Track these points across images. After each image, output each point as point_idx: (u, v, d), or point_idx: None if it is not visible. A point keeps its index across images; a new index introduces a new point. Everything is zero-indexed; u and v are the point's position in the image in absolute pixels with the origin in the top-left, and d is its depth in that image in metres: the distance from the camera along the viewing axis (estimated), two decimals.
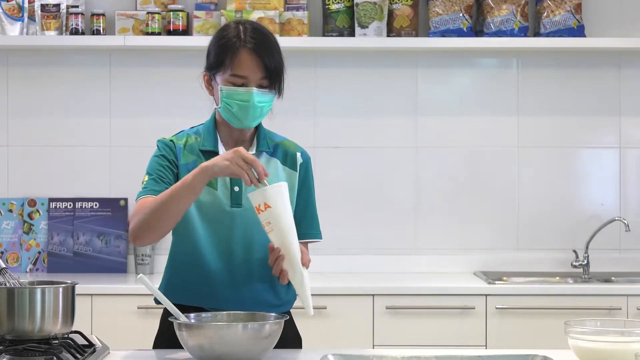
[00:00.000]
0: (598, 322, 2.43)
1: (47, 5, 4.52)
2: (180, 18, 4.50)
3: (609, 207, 4.66)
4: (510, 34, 4.53)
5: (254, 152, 2.74)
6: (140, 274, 2.45)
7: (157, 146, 2.75)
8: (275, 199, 2.48)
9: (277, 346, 2.44)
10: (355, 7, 4.50)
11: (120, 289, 4.13)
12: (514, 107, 4.67)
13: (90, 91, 4.64)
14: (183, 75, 4.41)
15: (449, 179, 4.67)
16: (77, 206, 4.60)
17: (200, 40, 4.21)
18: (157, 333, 2.79)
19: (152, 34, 4.50)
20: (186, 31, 4.52)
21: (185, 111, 4.43)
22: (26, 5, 4.55)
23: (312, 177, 2.82)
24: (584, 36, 4.55)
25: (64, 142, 4.64)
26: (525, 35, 4.56)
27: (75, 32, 4.50)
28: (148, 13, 4.51)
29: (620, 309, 4.09)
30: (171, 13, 4.51)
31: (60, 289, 2.42)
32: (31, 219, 4.59)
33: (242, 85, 2.65)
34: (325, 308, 4.06)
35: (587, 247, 4.55)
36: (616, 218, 4.55)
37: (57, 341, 2.39)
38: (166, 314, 2.63)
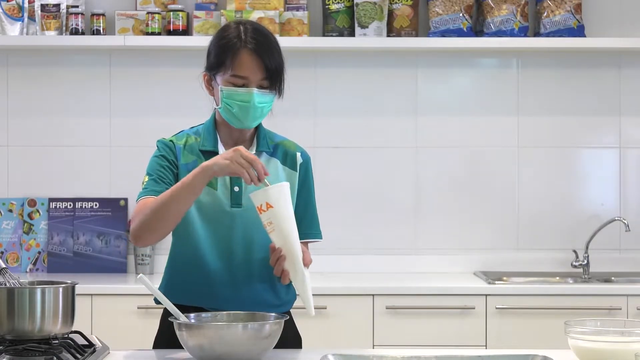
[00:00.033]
0: (598, 322, 2.43)
1: (47, 5, 4.52)
2: (180, 18, 4.50)
3: (609, 207, 4.66)
4: (510, 34, 4.53)
5: (253, 152, 2.73)
6: (140, 274, 2.45)
7: (157, 146, 2.75)
8: (277, 199, 2.48)
9: (277, 346, 2.44)
10: (355, 7, 4.50)
11: (120, 289, 4.13)
12: (514, 107, 4.67)
13: (90, 91, 4.64)
14: (183, 75, 4.41)
15: (449, 179, 4.67)
16: (77, 206, 4.60)
17: (200, 40, 4.21)
18: (157, 333, 2.79)
19: (152, 34, 4.50)
20: (186, 31, 4.52)
21: (185, 111, 4.43)
22: (26, 5, 4.55)
23: (312, 177, 2.82)
24: (584, 36, 4.55)
25: (64, 142, 4.64)
26: (525, 35, 4.56)
27: (75, 32, 4.50)
28: (148, 13, 4.51)
29: (620, 309, 4.09)
30: (171, 13, 4.51)
31: (60, 289, 2.42)
32: (31, 219, 4.59)
33: (242, 85, 2.65)
34: (326, 308, 4.06)
35: (587, 247, 4.55)
36: (616, 218, 4.55)
37: (57, 341, 2.39)
38: (166, 314, 2.63)
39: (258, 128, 2.76)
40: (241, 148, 2.51)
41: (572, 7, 4.53)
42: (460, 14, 4.52)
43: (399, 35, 4.55)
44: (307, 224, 2.76)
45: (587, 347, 2.33)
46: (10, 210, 4.61)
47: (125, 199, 4.59)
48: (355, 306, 4.10)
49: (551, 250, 4.63)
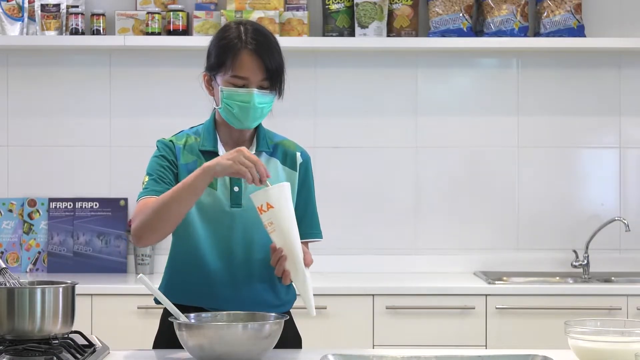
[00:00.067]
0: (598, 322, 2.43)
1: (47, 5, 4.52)
2: (180, 18, 4.50)
3: (609, 207, 4.66)
4: (510, 34, 4.53)
5: (253, 152, 2.73)
6: (140, 274, 2.45)
7: (157, 146, 2.75)
8: (277, 200, 2.48)
9: (277, 346, 2.44)
10: (355, 7, 4.50)
11: (120, 289, 4.13)
12: (514, 107, 4.67)
13: (90, 91, 4.64)
14: (183, 75, 4.41)
15: (449, 179, 4.67)
16: (77, 206, 4.60)
17: (200, 40, 4.21)
18: (157, 333, 2.79)
19: (152, 34, 4.50)
20: (186, 31, 4.52)
21: (185, 111, 4.43)
22: (26, 5, 4.55)
23: (312, 177, 2.82)
24: (584, 36, 4.55)
25: (64, 142, 4.64)
26: (525, 35, 4.56)
27: (75, 32, 4.50)
28: (148, 13, 4.51)
29: (620, 309, 4.09)
30: (171, 13, 4.51)
31: (60, 289, 2.42)
32: (31, 219, 4.59)
33: (242, 86, 2.65)
34: (326, 308, 4.06)
35: (587, 247, 4.55)
36: (616, 218, 4.55)
37: (57, 341, 2.39)
38: (166, 314, 2.63)
39: (258, 128, 2.76)
40: (244, 149, 2.51)
41: (572, 7, 4.53)
42: (460, 14, 4.52)
43: (399, 35, 4.55)
44: (308, 224, 2.76)
45: (587, 347, 2.33)
46: (10, 210, 4.61)
47: (125, 199, 4.59)
48: (355, 306, 4.10)
49: (551, 250, 4.63)
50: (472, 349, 3.75)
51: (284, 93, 2.70)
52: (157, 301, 2.48)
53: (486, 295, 4.11)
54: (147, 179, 2.68)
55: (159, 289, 2.57)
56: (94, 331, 3.82)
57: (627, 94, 4.67)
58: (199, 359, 2.37)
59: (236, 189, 2.68)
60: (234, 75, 2.64)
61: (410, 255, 4.64)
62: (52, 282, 2.48)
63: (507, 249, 4.65)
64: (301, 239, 2.59)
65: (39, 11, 4.52)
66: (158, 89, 4.63)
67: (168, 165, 2.70)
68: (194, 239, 2.69)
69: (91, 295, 4.06)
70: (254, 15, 4.44)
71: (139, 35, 4.52)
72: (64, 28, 4.56)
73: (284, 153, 2.78)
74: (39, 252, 4.58)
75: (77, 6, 4.58)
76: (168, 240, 2.78)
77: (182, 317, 2.44)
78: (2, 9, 4.52)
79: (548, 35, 4.54)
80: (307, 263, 2.56)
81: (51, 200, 4.60)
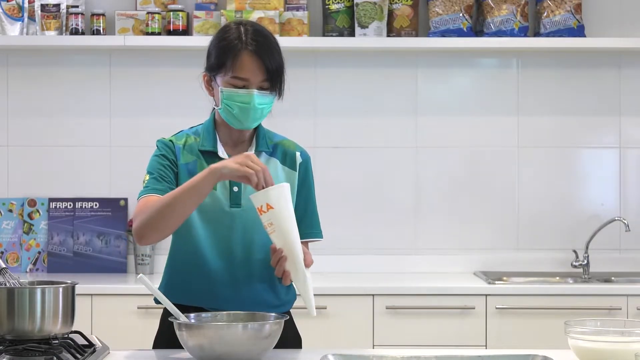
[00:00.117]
0: (598, 322, 2.43)
1: (47, 5, 4.52)
2: (180, 18, 4.50)
3: (609, 207, 4.66)
4: (510, 34, 4.53)
5: (253, 152, 2.73)
6: (140, 274, 2.45)
7: (157, 146, 2.75)
8: (277, 200, 2.48)
9: (277, 346, 2.44)
10: (355, 7, 4.50)
11: (120, 289, 4.13)
12: (514, 107, 4.67)
13: (90, 91, 4.64)
14: (183, 75, 4.41)
15: (449, 179, 4.67)
16: (77, 206, 4.60)
17: (200, 40, 4.21)
18: (157, 333, 2.79)
19: (152, 34, 4.51)
20: (186, 31, 4.52)
21: (185, 111, 4.43)
22: (26, 5, 4.55)
23: (312, 177, 2.81)
24: (584, 36, 4.55)
25: (64, 142, 4.64)
26: (525, 35, 4.56)
27: (75, 32, 4.50)
28: (148, 13, 4.51)
29: (620, 309, 4.09)
30: (171, 13, 4.51)
31: (60, 289, 2.42)
32: (31, 219, 4.59)
33: (243, 87, 2.65)
34: (326, 308, 4.06)
35: (587, 247, 4.55)
36: (616, 218, 4.55)
37: (57, 341, 2.39)
38: (166, 314, 2.63)
39: (257, 128, 2.76)
40: (252, 154, 2.51)
41: (572, 7, 4.53)
42: (460, 14, 4.52)
43: (399, 35, 4.55)
44: (308, 224, 2.76)
45: (587, 347, 2.33)
46: (10, 210, 4.61)
47: (125, 199, 4.59)
48: (355, 306, 4.10)
49: (551, 250, 4.63)
50: (472, 349, 3.75)
51: (284, 93, 2.70)
52: (157, 301, 2.48)
53: (486, 295, 4.11)
54: (147, 177, 2.68)
55: (159, 288, 2.57)
56: (94, 331, 3.82)
57: (627, 94, 4.67)
58: (199, 359, 2.37)
59: (235, 189, 2.68)
60: (234, 76, 2.64)
61: (410, 255, 4.64)
62: (52, 282, 2.48)
63: (507, 249, 4.65)
64: (301, 238, 2.59)
65: (39, 11, 4.52)
66: (158, 89, 4.63)
67: (168, 164, 2.70)
68: (194, 238, 2.69)
69: (91, 295, 4.06)
70: (254, 15, 4.44)
71: (139, 35, 4.52)
72: (64, 28, 4.56)
73: (284, 153, 2.78)
74: (39, 252, 4.58)
75: (77, 6, 4.58)
76: (168, 240, 2.78)
77: (182, 317, 2.44)
78: (2, 9, 4.52)
79: (548, 35, 4.54)
80: (308, 264, 2.56)
81: (51, 200, 4.60)
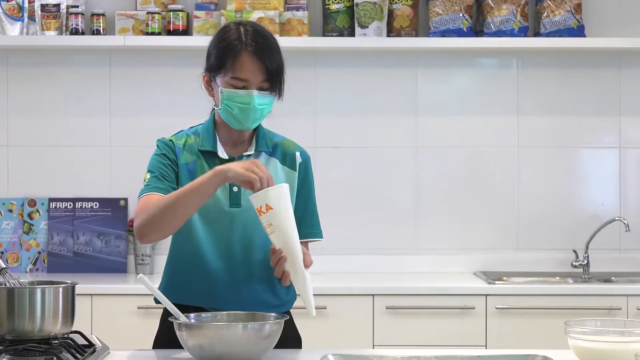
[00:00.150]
0: (598, 322, 2.43)
1: (47, 5, 4.52)
2: (180, 18, 4.50)
3: (609, 207, 4.66)
4: (510, 34, 4.53)
5: (252, 152, 2.74)
6: (140, 274, 2.45)
7: (157, 145, 2.75)
8: (277, 201, 2.48)
9: (277, 346, 2.44)
10: (355, 7, 4.50)
11: (120, 289, 4.13)
12: (514, 107, 4.67)
13: (90, 91, 4.64)
14: (183, 75, 4.41)
15: (449, 179, 4.67)
16: (77, 206, 4.60)
17: (200, 40, 4.21)
18: (157, 333, 2.79)
19: (152, 34, 4.50)
20: (186, 31, 4.52)
21: (185, 111, 4.43)
22: (26, 5, 4.55)
23: (312, 177, 2.82)
24: (584, 36, 4.55)
25: (64, 142, 4.64)
26: (525, 35, 4.56)
27: (75, 32, 4.50)
28: (148, 13, 4.51)
29: (620, 309, 4.09)
30: (171, 13, 4.51)
31: (60, 289, 2.42)
32: (31, 219, 4.59)
33: (242, 87, 2.65)
34: (326, 308, 4.06)
35: (587, 247, 4.55)
36: (616, 218, 4.55)
37: (57, 341, 2.39)
38: (166, 314, 2.63)
39: (257, 128, 2.76)
40: (258, 161, 2.52)
41: (572, 7, 4.53)
42: (460, 14, 4.52)
43: (399, 35, 4.55)
44: (308, 224, 2.76)
45: (587, 347, 2.33)
46: (10, 210, 4.61)
47: (125, 199, 4.59)
48: (355, 306, 4.10)
49: (551, 250, 4.63)
50: (472, 349, 3.75)
51: (284, 93, 2.70)
52: (157, 301, 2.48)
53: (486, 295, 4.11)
54: (148, 176, 2.68)
55: (159, 288, 2.57)
56: (94, 331, 3.82)
57: (627, 94, 4.67)
58: (199, 359, 2.37)
59: (235, 189, 2.68)
60: (234, 76, 2.64)
61: (410, 255, 4.64)
62: (52, 282, 2.48)
63: (507, 249, 4.65)
64: (301, 238, 2.59)
65: (39, 11, 4.52)
66: (158, 89, 4.63)
67: (169, 163, 2.70)
68: (193, 238, 2.69)
69: (91, 295, 4.06)
70: (254, 15, 4.44)
71: (139, 35, 4.52)
72: (64, 28, 4.56)
73: (284, 153, 2.78)
74: (39, 252, 4.58)
75: (77, 6, 4.58)
76: (168, 240, 2.78)
77: (182, 317, 2.44)
78: (2, 9, 4.52)
79: (548, 35, 4.54)
80: (307, 264, 2.55)
81: (51, 200, 4.60)
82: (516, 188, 4.67)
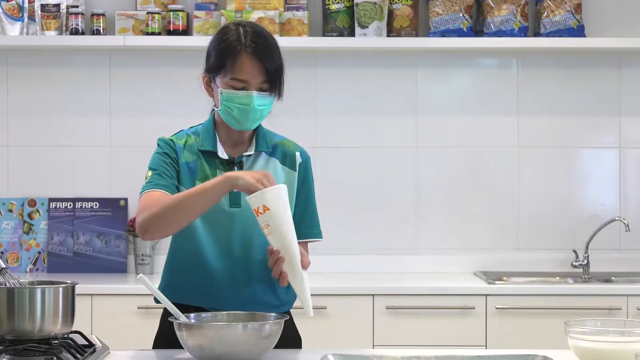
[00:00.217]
0: (598, 322, 2.43)
1: (47, 5, 4.52)
2: (180, 18, 4.50)
3: (609, 207, 4.66)
4: (510, 34, 4.53)
5: (252, 152, 2.74)
6: (140, 274, 2.45)
7: (158, 144, 2.75)
8: (274, 202, 2.48)
9: (277, 346, 2.44)
10: (355, 7, 4.50)
11: (120, 289, 4.13)
12: (514, 107, 4.67)
13: (90, 91, 4.64)
14: (183, 75, 4.41)
15: (449, 179, 4.67)
16: (77, 206, 4.60)
17: (200, 40, 4.20)
18: (157, 333, 2.79)
19: (152, 34, 4.51)
20: (186, 31, 4.52)
21: (185, 111, 4.43)
22: (26, 5, 4.55)
23: (311, 177, 2.82)
24: (584, 36, 4.55)
25: (64, 142, 4.64)
26: (525, 35, 4.56)
27: (75, 32, 4.50)
28: (148, 13, 4.51)
29: (620, 309, 4.09)
30: (171, 13, 4.51)
31: (60, 289, 2.42)
32: (31, 219, 4.59)
33: (242, 88, 2.65)
34: (325, 308, 4.06)
35: (587, 247, 4.55)
36: (616, 218, 4.55)
37: (57, 341, 2.39)
38: (166, 314, 2.63)
39: (257, 128, 2.76)
40: (269, 174, 2.52)
41: (572, 7, 4.53)
42: (460, 14, 4.52)
43: (399, 35, 4.55)
44: (307, 224, 2.76)
45: (587, 347, 2.33)
46: (10, 210, 4.61)
47: (125, 199, 4.59)
48: (355, 306, 4.10)
49: (551, 250, 4.63)
50: (472, 349, 3.75)
51: (284, 94, 2.70)
52: (157, 301, 2.48)
53: (486, 295, 4.11)
54: (150, 173, 2.68)
55: (158, 288, 2.57)
56: (94, 331, 3.82)
57: (627, 94, 4.67)
58: (199, 359, 2.37)
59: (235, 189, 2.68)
60: (233, 77, 2.64)
61: (410, 255, 4.64)
62: (52, 282, 2.48)
63: (507, 249, 4.65)
64: (301, 238, 2.60)
65: (39, 11, 4.52)
66: (158, 89, 4.63)
67: (171, 162, 2.70)
68: (193, 238, 2.69)
69: (91, 295, 4.06)
70: (254, 15, 4.44)
71: (139, 35, 4.52)
72: (64, 28, 4.56)
73: (284, 153, 2.78)
74: (39, 252, 4.58)
75: (77, 6, 4.58)
76: (168, 240, 2.78)
77: (182, 317, 2.44)
78: (2, 9, 4.52)
79: (548, 35, 4.54)
80: (305, 265, 2.55)
81: (51, 200, 4.60)
82: (516, 188, 4.67)
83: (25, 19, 4.54)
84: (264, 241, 2.57)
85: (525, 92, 4.67)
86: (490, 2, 4.55)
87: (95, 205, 4.59)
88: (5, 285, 2.42)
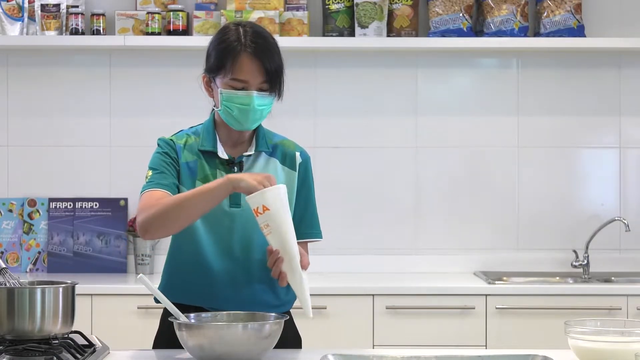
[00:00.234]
0: (598, 322, 2.43)
1: (47, 5, 4.52)
2: (180, 18, 4.50)
3: (609, 207, 4.66)
4: (510, 34, 4.53)
5: (252, 152, 2.74)
6: (140, 274, 2.45)
7: (159, 144, 2.75)
8: (273, 202, 2.48)
9: (277, 346, 2.44)
10: (355, 7, 4.50)
11: (120, 289, 4.13)
12: (514, 107, 4.67)
13: (90, 91, 4.64)
14: (183, 75, 4.41)
15: (449, 179, 4.67)
16: (77, 206, 4.60)
17: (200, 40, 4.20)
18: (157, 333, 2.79)
19: (152, 34, 4.51)
20: (186, 31, 4.52)
21: (185, 111, 4.43)
22: (26, 5, 4.55)
23: (311, 177, 2.82)
24: (584, 36, 4.55)
25: (64, 142, 4.64)
26: (525, 35, 4.56)
27: (75, 32, 4.50)
28: (148, 13, 4.51)
29: (620, 309, 4.09)
30: (171, 13, 4.51)
31: (60, 289, 2.42)
32: (31, 219, 4.59)
33: (242, 88, 2.65)
34: (325, 308, 4.06)
35: (587, 247, 4.55)
36: (616, 218, 4.55)
37: (57, 341, 2.39)
38: (166, 314, 2.64)
39: (257, 128, 2.76)
40: (272, 177, 2.52)
41: (572, 7, 4.53)
42: (460, 14, 4.52)
43: (399, 35, 4.55)
44: (307, 224, 2.76)
45: (587, 347, 2.33)
46: (10, 210, 4.61)
47: (125, 199, 4.59)
48: (355, 306, 4.10)
49: (551, 250, 4.63)
50: (472, 349, 3.75)
51: (284, 94, 2.70)
52: (157, 301, 2.48)
53: (486, 295, 4.11)
54: (151, 173, 2.68)
55: (158, 288, 2.57)
56: (94, 331, 3.82)
57: (627, 94, 4.67)
58: (199, 359, 2.37)
59: None
60: (233, 78, 2.64)
61: (410, 255, 4.64)
62: (52, 282, 2.48)
63: (507, 249, 4.65)
64: (301, 238, 2.60)
65: (39, 11, 4.52)
66: (158, 89, 4.63)
67: (171, 161, 2.70)
68: (193, 238, 2.69)
69: (91, 295, 4.06)
70: (254, 15, 4.44)
71: (139, 35, 4.52)
72: (64, 28, 4.56)
73: (284, 153, 2.78)
74: (39, 252, 4.58)
75: (77, 6, 4.58)
76: (167, 240, 2.78)
77: (182, 317, 2.44)
78: (2, 9, 4.52)
79: (548, 35, 4.54)
80: (304, 265, 2.55)
81: (51, 200, 4.60)
82: (516, 188, 4.67)
83: (25, 19, 4.54)
84: (264, 241, 2.57)
85: (525, 92, 4.67)
86: (490, 2, 4.55)
87: (95, 205, 4.59)
88: (5, 285, 2.42)
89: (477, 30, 4.64)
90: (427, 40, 4.51)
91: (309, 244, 2.78)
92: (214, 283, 2.69)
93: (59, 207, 4.59)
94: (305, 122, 4.62)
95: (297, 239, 2.55)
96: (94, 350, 2.49)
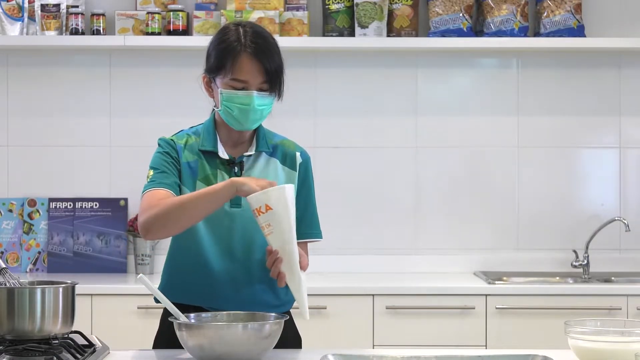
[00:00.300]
0: (598, 322, 2.43)
1: (47, 5, 4.52)
2: (180, 18, 4.50)
3: (609, 207, 4.66)
4: (510, 34, 4.53)
5: (253, 152, 2.74)
6: (140, 274, 2.45)
7: (159, 144, 2.75)
8: (277, 202, 2.48)
9: (277, 346, 2.44)
10: (355, 7, 4.50)
11: (120, 289, 4.13)
12: (514, 107, 4.67)
13: (90, 91, 4.64)
14: (183, 75, 4.41)
15: (449, 179, 4.67)
16: (77, 206, 4.60)
17: (200, 40, 4.20)
18: (157, 333, 2.79)
19: (152, 34, 4.51)
20: (186, 31, 4.52)
21: (185, 111, 4.43)
22: (26, 5, 4.55)
23: (312, 177, 2.82)
24: (584, 36, 4.55)
25: (64, 142, 4.64)
26: (525, 35, 4.56)
27: (75, 32, 4.50)
28: (148, 13, 4.51)
29: (620, 309, 4.09)
30: (171, 13, 4.51)
31: (60, 289, 2.42)
32: (31, 219, 4.59)
33: (242, 89, 2.65)
34: (325, 308, 4.06)
35: (587, 247, 4.55)
36: (616, 218, 4.55)
37: (57, 341, 2.39)
38: (166, 314, 2.64)
39: (258, 128, 2.77)
40: (275, 183, 2.52)
41: (572, 7, 4.53)
42: (460, 14, 4.52)
43: (399, 35, 4.55)
44: (307, 224, 2.76)
45: (587, 347, 2.33)
46: (10, 210, 4.61)
47: (125, 199, 4.59)
48: (355, 306, 4.10)
49: (551, 250, 4.63)
50: (472, 349, 3.75)
51: (284, 94, 2.70)
52: (157, 301, 2.48)
53: (486, 295, 4.11)
54: (152, 172, 2.68)
55: (158, 288, 2.57)
56: (94, 331, 3.82)
57: (627, 94, 4.67)
58: (199, 359, 2.37)
59: None
60: (233, 78, 2.64)
61: (410, 255, 4.64)
62: (52, 282, 2.48)
63: (507, 249, 4.65)
64: (301, 238, 2.60)
65: (39, 11, 4.52)
66: (158, 89, 4.63)
67: (172, 161, 2.70)
68: (194, 238, 2.69)
69: (91, 295, 4.06)
70: (254, 15, 4.44)
71: (139, 35, 4.52)
72: (64, 28, 4.56)
73: (284, 153, 2.78)
74: (39, 252, 4.58)
75: (77, 6, 4.58)
76: (168, 240, 2.78)
77: (182, 317, 2.44)
78: (2, 9, 4.52)
79: (548, 35, 4.54)
80: (303, 266, 2.55)
81: (51, 200, 4.60)
82: (516, 188, 4.67)
83: (25, 19, 4.54)
84: (264, 241, 2.57)
85: (525, 92, 4.67)
86: (490, 2, 4.55)
87: (95, 205, 4.59)
88: (5, 285, 2.42)
89: (477, 30, 4.64)
90: (427, 40, 4.51)
91: (308, 244, 2.78)
92: (214, 283, 2.69)
93: (59, 207, 4.59)
94: (305, 122, 4.62)
95: (297, 239, 2.55)
96: (94, 351, 2.49)
